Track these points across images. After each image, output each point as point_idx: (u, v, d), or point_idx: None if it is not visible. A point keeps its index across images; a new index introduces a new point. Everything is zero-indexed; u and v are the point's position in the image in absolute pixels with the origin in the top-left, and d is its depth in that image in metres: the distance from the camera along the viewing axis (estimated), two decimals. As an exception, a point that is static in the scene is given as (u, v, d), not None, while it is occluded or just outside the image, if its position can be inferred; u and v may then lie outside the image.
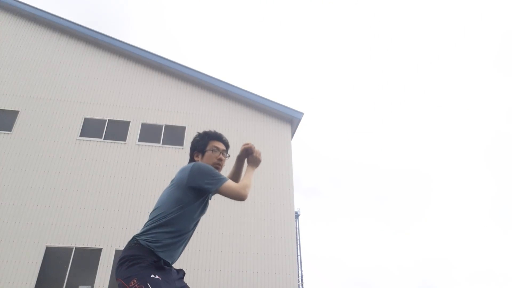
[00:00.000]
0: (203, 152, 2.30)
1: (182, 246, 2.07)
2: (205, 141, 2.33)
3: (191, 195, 2.04)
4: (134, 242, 1.92)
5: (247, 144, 2.37)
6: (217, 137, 2.37)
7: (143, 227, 1.99)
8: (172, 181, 2.16)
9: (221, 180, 2.07)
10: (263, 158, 2.50)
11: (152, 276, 1.77)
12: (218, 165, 2.28)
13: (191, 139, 2.44)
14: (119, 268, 1.83)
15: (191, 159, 2.35)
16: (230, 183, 2.09)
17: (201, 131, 2.44)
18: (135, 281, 1.73)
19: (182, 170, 2.13)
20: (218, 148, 2.31)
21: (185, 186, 2.04)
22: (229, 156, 2.39)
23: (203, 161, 2.26)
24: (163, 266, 1.88)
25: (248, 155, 2.38)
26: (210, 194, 2.16)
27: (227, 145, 2.39)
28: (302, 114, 12.11)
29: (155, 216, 2.00)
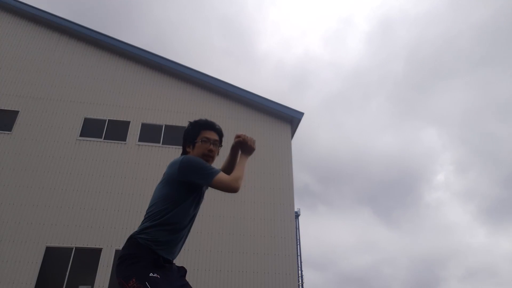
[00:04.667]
0: (193, 143, 2.16)
1: (181, 242, 2.05)
2: (195, 131, 2.19)
3: (183, 191, 1.99)
4: (133, 241, 1.90)
5: (239, 136, 2.24)
6: (209, 125, 2.22)
7: (140, 225, 1.97)
8: (163, 175, 2.09)
9: (212, 173, 1.97)
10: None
11: (151, 275, 1.76)
12: (209, 156, 2.15)
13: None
14: (119, 267, 1.83)
15: (184, 150, 2.23)
16: (221, 176, 1.98)
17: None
18: (134, 280, 1.73)
19: (172, 165, 2.04)
20: (208, 139, 2.16)
21: (175, 181, 1.98)
22: (221, 146, 2.24)
23: (194, 153, 2.15)
24: (163, 264, 1.87)
25: (242, 145, 2.25)
26: (203, 187, 2.11)
27: (220, 133, 2.25)
28: (302, 114, 12.09)
29: (151, 214, 1.97)
